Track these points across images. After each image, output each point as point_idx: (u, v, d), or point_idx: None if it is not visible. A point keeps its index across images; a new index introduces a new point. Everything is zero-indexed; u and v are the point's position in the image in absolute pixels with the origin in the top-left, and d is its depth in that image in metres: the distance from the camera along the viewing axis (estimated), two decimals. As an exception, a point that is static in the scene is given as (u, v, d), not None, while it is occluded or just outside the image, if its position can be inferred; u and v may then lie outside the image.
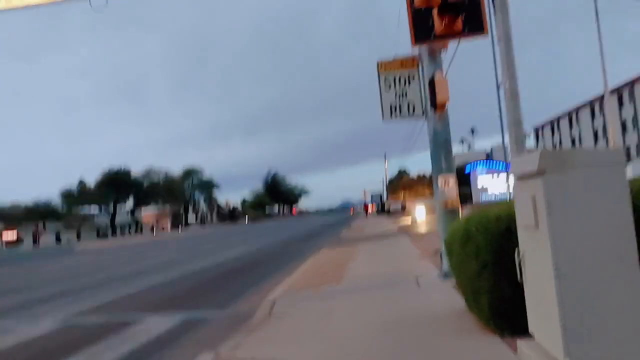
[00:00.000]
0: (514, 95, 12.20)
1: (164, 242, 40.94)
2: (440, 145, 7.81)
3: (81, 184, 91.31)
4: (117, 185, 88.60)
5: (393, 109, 8.07)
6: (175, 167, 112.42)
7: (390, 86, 8.07)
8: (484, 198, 28.17)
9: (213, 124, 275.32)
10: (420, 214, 26.28)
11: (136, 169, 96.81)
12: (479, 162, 29.81)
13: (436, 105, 7.38)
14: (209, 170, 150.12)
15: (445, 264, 7.65)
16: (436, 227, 8.11)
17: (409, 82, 8.07)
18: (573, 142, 73.54)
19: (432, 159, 7.94)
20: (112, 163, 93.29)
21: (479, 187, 29.03)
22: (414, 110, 8.06)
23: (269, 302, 7.81)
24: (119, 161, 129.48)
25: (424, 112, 8.03)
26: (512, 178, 11.62)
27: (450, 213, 7.76)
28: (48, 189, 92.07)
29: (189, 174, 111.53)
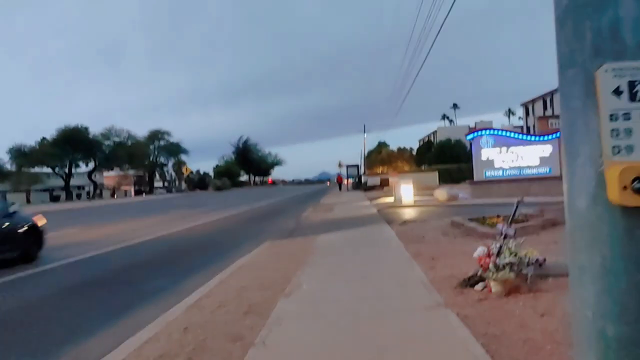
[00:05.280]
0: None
1: (96, 209, 34.91)
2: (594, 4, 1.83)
3: (43, 141, 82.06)
4: (73, 144, 79.57)
5: None
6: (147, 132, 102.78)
7: None
8: (488, 174, 22.45)
9: (189, 92, 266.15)
10: (407, 194, 20.82)
11: (99, 129, 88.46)
12: (484, 130, 23.49)
13: None
14: (185, 138, 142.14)
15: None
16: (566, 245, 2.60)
17: None
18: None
19: (560, 50, 1.77)
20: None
21: (483, 159, 22.83)
22: None
23: None
24: (91, 124, 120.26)
25: None
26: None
27: (627, 216, 1.48)
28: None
29: (155, 136, 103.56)
